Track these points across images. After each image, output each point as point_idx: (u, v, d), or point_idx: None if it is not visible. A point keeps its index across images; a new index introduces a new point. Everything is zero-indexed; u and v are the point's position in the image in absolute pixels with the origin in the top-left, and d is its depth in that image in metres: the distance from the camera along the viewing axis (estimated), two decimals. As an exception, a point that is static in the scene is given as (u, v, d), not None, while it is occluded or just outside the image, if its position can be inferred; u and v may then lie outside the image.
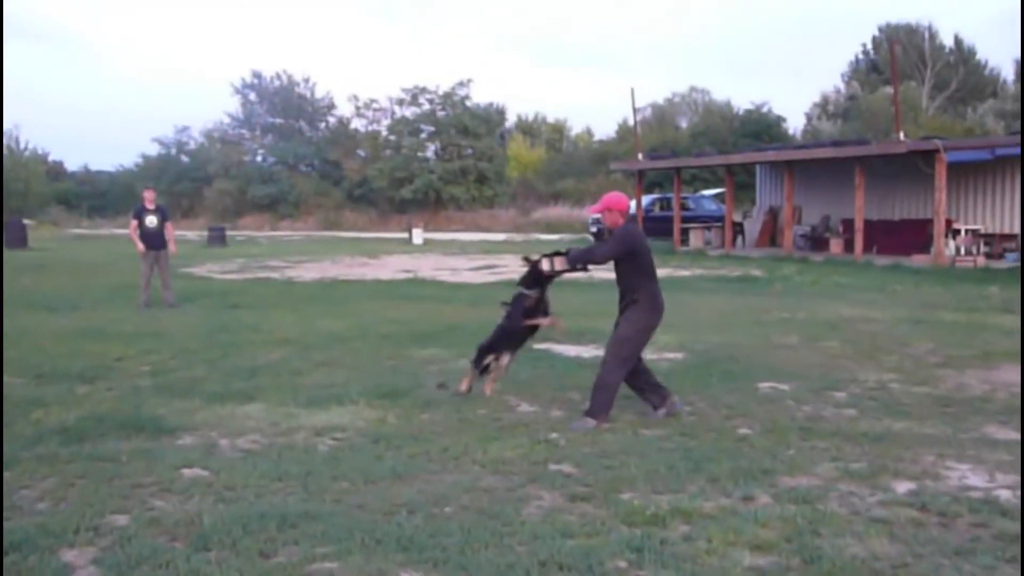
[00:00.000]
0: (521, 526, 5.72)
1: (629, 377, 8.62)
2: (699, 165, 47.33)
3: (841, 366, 11.22)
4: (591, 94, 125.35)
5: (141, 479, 6.62)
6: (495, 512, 5.96)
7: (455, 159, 64.46)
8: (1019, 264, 26.70)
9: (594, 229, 42.60)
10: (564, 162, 73.28)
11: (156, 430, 8.00)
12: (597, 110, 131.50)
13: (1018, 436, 7.94)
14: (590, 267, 8.79)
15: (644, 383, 8.75)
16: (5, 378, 10.30)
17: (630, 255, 8.42)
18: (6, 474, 6.74)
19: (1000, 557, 5.26)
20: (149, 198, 18.14)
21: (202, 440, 7.78)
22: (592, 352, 12.15)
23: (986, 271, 24.88)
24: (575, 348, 12.45)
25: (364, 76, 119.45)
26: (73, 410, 8.75)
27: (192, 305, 17.92)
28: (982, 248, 28.17)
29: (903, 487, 6.55)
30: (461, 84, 66.39)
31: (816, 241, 33.92)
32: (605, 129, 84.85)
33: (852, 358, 11.80)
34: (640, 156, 40.55)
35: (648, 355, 11.74)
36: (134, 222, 17.99)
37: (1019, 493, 6.38)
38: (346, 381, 10.16)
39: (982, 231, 29.13)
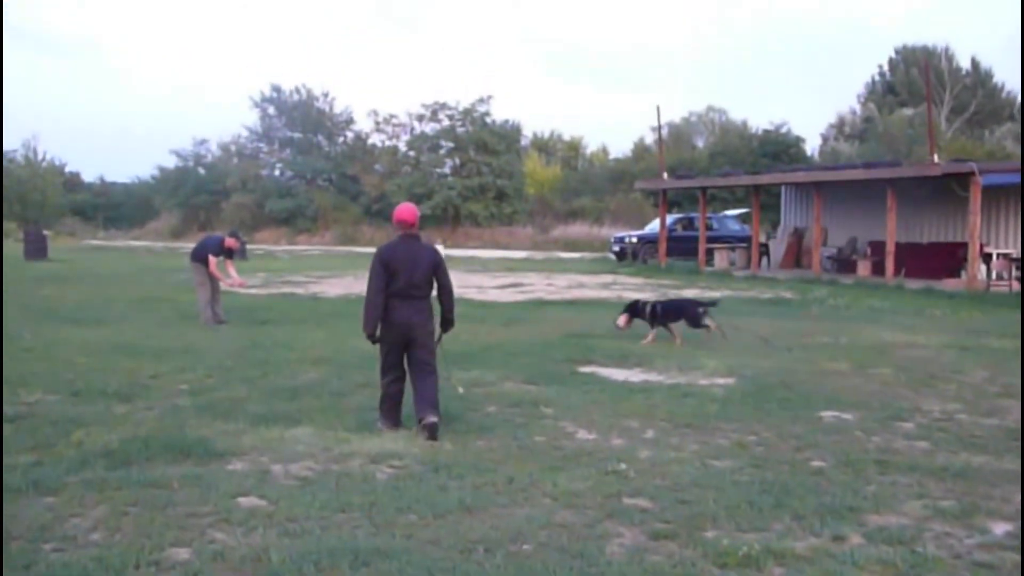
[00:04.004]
0: (608, 566, 5.38)
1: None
2: (725, 185, 46.88)
3: (899, 395, 10.84)
4: (605, 112, 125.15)
5: (196, 508, 6.27)
6: (577, 550, 5.61)
7: (474, 176, 64.24)
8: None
9: (616, 248, 42.27)
10: (580, 180, 73.01)
11: (204, 454, 7.63)
12: (611, 128, 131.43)
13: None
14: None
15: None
16: (40, 395, 10.04)
17: None
18: (54, 499, 6.45)
19: None
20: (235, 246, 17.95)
21: (253, 466, 7.41)
22: (639, 376, 11.81)
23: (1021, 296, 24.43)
24: (622, 372, 12.10)
25: (384, 92, 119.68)
26: (114, 431, 8.38)
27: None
28: (1015, 273, 27.71)
29: (1000, 528, 6.19)
30: (481, 100, 66.28)
31: (843, 263, 33.47)
32: (620, 147, 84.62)
33: (908, 386, 11.41)
34: (664, 175, 40.22)
35: (699, 380, 11.50)
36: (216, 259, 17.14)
37: None
38: (392, 404, 9.76)
39: (1014, 256, 28.69)
